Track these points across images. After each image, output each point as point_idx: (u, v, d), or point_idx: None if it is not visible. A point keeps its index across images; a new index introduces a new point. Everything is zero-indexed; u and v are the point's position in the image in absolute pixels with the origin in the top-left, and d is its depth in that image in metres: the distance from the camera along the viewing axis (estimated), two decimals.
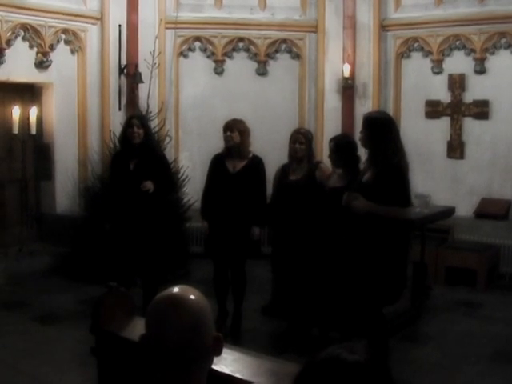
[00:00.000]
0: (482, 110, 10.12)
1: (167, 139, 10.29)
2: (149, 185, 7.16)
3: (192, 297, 2.26)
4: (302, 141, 7.00)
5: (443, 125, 10.47)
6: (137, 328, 3.54)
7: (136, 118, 7.68)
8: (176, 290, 2.28)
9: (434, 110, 10.53)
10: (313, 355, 1.93)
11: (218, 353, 2.31)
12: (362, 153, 6.57)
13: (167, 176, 7.55)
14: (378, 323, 5.94)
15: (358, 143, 6.42)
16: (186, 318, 2.20)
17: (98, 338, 3.65)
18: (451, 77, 10.36)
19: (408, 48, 10.84)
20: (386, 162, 5.68)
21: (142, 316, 3.83)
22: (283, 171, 7.17)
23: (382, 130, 5.80)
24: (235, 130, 7.11)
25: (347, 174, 6.64)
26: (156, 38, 10.44)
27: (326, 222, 6.65)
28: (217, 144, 7.49)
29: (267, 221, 7.26)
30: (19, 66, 9.63)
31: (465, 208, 9.95)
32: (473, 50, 10.18)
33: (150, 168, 7.28)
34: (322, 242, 6.67)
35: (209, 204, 7.27)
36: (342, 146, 6.79)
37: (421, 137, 10.14)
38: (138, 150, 7.34)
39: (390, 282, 5.77)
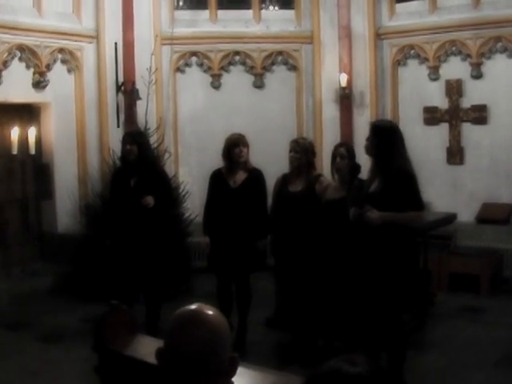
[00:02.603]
0: (480, 115, 10.12)
1: (166, 155, 10.27)
2: (149, 200, 7.14)
3: (210, 312, 2.28)
4: (296, 149, 6.98)
5: (442, 131, 10.47)
6: (140, 346, 3.53)
7: (127, 135, 7.72)
8: (195, 306, 2.31)
9: (432, 116, 10.53)
10: (315, 368, 1.92)
11: (233, 373, 2.30)
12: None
13: (167, 192, 7.53)
14: (398, 332, 5.92)
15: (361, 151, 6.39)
16: (205, 332, 2.21)
17: (101, 357, 3.65)
18: (448, 83, 10.37)
19: (404, 55, 10.86)
20: (395, 170, 5.67)
21: (145, 333, 3.83)
22: (283, 180, 7.15)
23: (391, 138, 5.79)
24: (246, 145, 7.10)
25: (344, 184, 6.61)
26: (152, 54, 10.44)
27: (326, 234, 6.64)
28: (216, 158, 7.45)
29: (269, 232, 7.24)
30: (17, 87, 9.64)
31: (466, 214, 9.92)
32: (469, 56, 10.19)
33: (150, 184, 7.27)
34: (323, 253, 6.66)
35: (211, 219, 7.23)
36: (352, 151, 6.78)
37: (420, 143, 10.09)
38: (136, 167, 7.33)
39: (407, 288, 5.78)
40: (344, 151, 6.77)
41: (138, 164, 7.33)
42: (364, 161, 6.47)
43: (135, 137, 7.59)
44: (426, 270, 8.31)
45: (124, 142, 7.46)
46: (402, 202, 5.63)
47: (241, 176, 7.14)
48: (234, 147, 7.07)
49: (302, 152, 6.97)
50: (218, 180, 7.24)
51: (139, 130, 9.36)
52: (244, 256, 7.05)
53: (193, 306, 2.31)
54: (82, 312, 8.49)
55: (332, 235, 6.54)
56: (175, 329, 2.26)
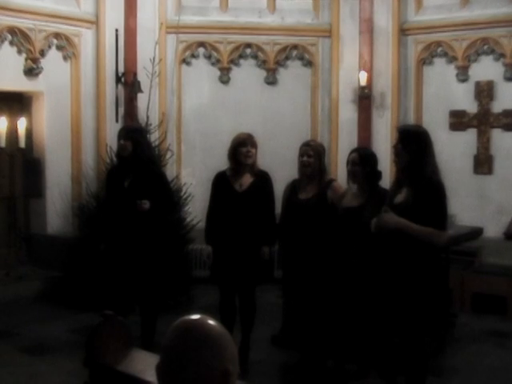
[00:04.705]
0: None
1: (168, 154, 10.26)
2: (144, 204, 7.09)
3: (202, 319, 2.34)
4: (310, 153, 6.91)
5: (469, 137, 10.44)
6: (135, 361, 3.51)
7: (122, 130, 7.74)
8: (193, 315, 2.37)
9: (458, 121, 10.50)
10: None
11: None
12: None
13: (165, 194, 7.49)
14: (419, 356, 5.87)
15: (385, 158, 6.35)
16: (186, 335, 2.27)
17: (92, 372, 3.62)
18: (478, 84, 10.34)
19: (430, 53, 10.83)
20: (425, 180, 5.60)
21: (140, 347, 3.80)
22: (293, 188, 7.10)
23: (423, 144, 5.71)
24: (254, 145, 7.06)
25: (363, 191, 6.59)
26: (156, 43, 10.46)
27: (340, 245, 6.60)
28: (222, 159, 7.41)
29: (277, 241, 7.21)
30: (6, 74, 9.63)
31: (493, 228, 9.87)
32: (502, 55, 10.16)
33: (145, 185, 7.24)
34: (336, 266, 6.62)
35: (214, 227, 7.19)
36: (368, 157, 6.73)
37: (444, 150, 9.92)
38: (131, 165, 7.31)
39: (431, 308, 5.73)
40: (356, 157, 6.72)
41: (133, 162, 7.31)
42: (384, 167, 6.44)
43: (130, 132, 7.56)
44: (446, 289, 8.26)
45: (118, 137, 7.49)
46: (428, 216, 5.56)
47: (247, 179, 7.09)
48: (241, 147, 7.02)
49: (316, 156, 6.94)
50: (222, 183, 7.19)
51: (137, 126, 9.34)
52: (249, 266, 7.01)
53: (190, 316, 2.36)
54: (72, 322, 8.49)
55: (347, 246, 6.50)
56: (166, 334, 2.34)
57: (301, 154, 6.98)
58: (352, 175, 6.74)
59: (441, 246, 5.87)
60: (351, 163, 6.72)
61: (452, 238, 8.12)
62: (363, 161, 6.66)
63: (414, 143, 5.71)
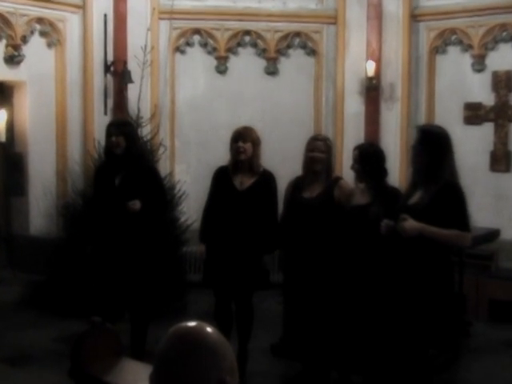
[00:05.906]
0: None
1: (161, 149, 10.24)
2: (135, 204, 7.08)
3: (197, 325, 2.34)
4: (322, 149, 6.88)
5: (485, 132, 10.42)
6: (124, 371, 3.50)
7: (113, 125, 7.64)
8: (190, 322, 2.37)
9: (474, 114, 10.47)
10: None
11: None
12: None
13: (158, 191, 7.47)
14: (422, 368, 5.86)
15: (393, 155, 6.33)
16: (181, 341, 2.28)
17: (78, 383, 3.61)
18: (495, 75, 10.31)
19: (444, 41, 10.81)
20: (443, 182, 5.61)
21: (130, 356, 3.78)
22: (296, 184, 7.07)
23: (444, 147, 5.73)
24: (248, 139, 7.01)
25: (370, 189, 6.58)
26: (148, 30, 10.44)
27: (347, 246, 6.58)
28: (219, 155, 7.43)
29: (278, 244, 7.18)
30: None
31: (511, 230, 9.87)
32: None
33: (138, 183, 7.22)
34: (340, 270, 6.61)
35: (210, 225, 7.17)
36: (369, 155, 6.71)
37: (458, 146, 9.93)
38: (122, 162, 7.29)
39: (437, 316, 5.72)
40: (357, 155, 6.72)
41: (125, 159, 7.29)
42: (393, 164, 6.43)
43: (122, 127, 7.53)
44: (460, 295, 8.25)
45: (109, 133, 7.40)
46: (449, 219, 5.56)
47: (249, 178, 7.07)
48: (235, 141, 7.04)
49: (328, 152, 6.92)
50: (222, 178, 7.17)
51: (125, 118, 9.34)
52: (247, 271, 6.99)
53: (187, 322, 2.36)
54: (57, 329, 8.49)
55: (353, 246, 6.49)
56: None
57: (310, 150, 6.93)
58: (355, 173, 6.75)
59: (466, 247, 5.88)
60: (353, 160, 6.73)
61: (474, 239, 8.14)
62: (363, 159, 6.65)
63: (435, 145, 5.73)
